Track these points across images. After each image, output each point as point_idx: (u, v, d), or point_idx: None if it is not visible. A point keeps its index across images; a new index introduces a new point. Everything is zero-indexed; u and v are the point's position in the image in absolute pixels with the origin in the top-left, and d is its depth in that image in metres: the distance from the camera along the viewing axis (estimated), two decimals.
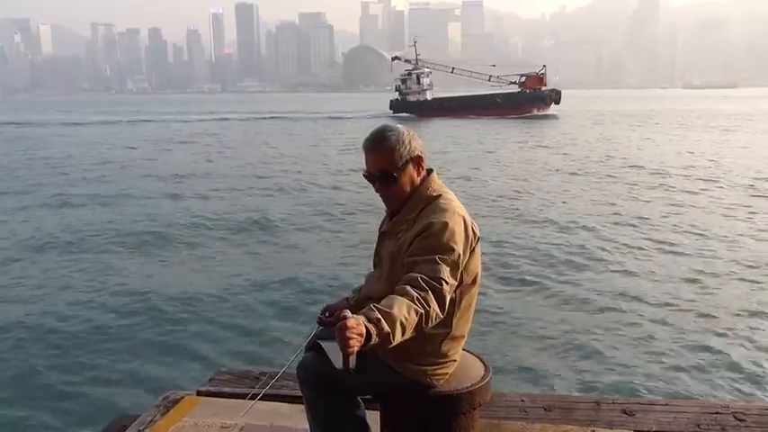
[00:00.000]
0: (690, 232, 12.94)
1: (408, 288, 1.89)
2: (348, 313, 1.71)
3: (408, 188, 2.20)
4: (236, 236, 13.42)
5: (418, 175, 2.22)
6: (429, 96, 69.09)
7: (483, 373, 2.34)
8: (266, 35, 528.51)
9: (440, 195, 2.19)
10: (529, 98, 65.58)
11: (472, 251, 2.16)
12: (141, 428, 3.06)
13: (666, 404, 3.14)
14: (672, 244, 11.94)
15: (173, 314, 8.55)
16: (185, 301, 9.09)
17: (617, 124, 54.44)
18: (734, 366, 6.72)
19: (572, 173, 22.58)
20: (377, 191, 2.23)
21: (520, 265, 10.64)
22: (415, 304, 1.84)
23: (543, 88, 66.36)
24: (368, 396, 2.35)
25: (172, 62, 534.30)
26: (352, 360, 1.68)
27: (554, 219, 14.42)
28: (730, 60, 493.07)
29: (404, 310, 1.80)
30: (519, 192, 18.70)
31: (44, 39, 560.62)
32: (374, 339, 1.72)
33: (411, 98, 68.70)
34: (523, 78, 67.29)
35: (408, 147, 2.17)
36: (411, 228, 2.13)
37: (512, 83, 68.41)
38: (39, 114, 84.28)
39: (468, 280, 2.17)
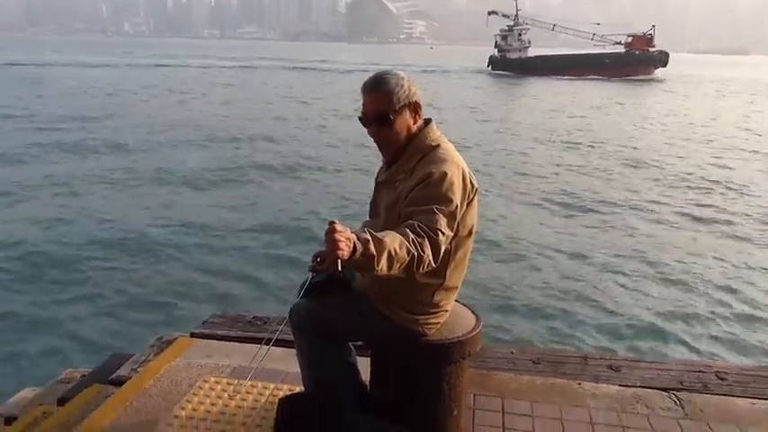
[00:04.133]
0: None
1: (407, 230, 1.88)
2: (336, 221, 1.71)
3: (403, 134, 2.16)
4: (234, 180, 13.44)
5: (414, 123, 2.18)
6: (530, 54, 65.27)
7: (474, 323, 2.35)
8: None
9: (438, 145, 2.16)
10: (638, 60, 61.70)
11: (470, 203, 2.14)
12: (135, 367, 3.11)
13: (651, 362, 3.20)
14: (679, 212, 11.96)
15: (167, 257, 8.62)
16: (181, 244, 9.14)
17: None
18: (719, 329, 6.85)
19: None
20: (371, 135, 2.20)
21: (518, 222, 10.70)
22: (409, 244, 1.82)
23: (651, 49, 62.80)
24: (359, 343, 2.37)
25: (170, 5, 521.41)
26: (339, 263, 1.68)
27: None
28: (739, 26, 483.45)
29: (395, 244, 1.78)
30: None
31: None
32: (358, 255, 1.70)
33: (512, 55, 64.80)
34: (630, 39, 64.25)
35: (407, 92, 2.13)
36: (409, 177, 2.11)
37: (616, 43, 65.31)
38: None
39: (463, 232, 2.16)
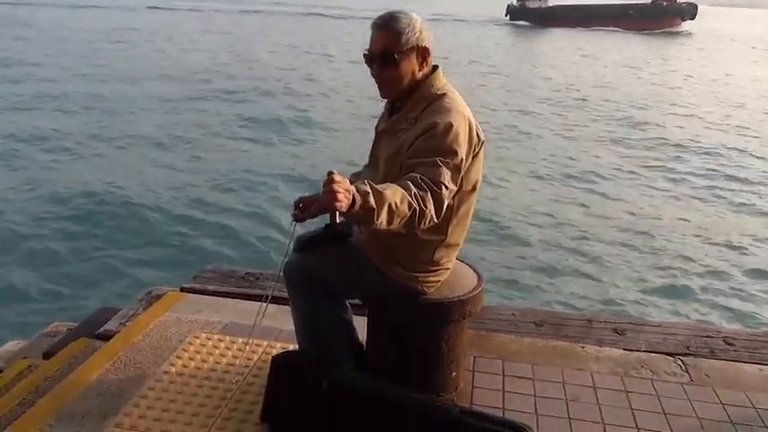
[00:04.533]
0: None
1: (408, 183, 1.77)
2: (335, 171, 1.62)
3: (407, 78, 2.04)
4: (221, 134, 13.21)
5: (420, 69, 2.05)
6: (551, 3, 62.51)
7: (476, 283, 2.26)
8: None
9: (444, 94, 2.04)
10: (665, 11, 58.35)
11: (475, 156, 2.03)
12: (123, 321, 3.03)
13: (658, 325, 3.12)
14: (672, 172, 11.81)
15: (159, 212, 8.49)
16: (169, 199, 9.01)
17: None
18: (729, 293, 6.80)
19: None
20: (374, 75, 2.07)
21: (520, 185, 10.56)
22: (411, 198, 1.73)
23: (679, 0, 59.35)
24: (356, 301, 2.28)
25: None
26: (337, 215, 1.61)
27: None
28: None
29: (396, 197, 1.69)
30: None
31: None
32: (357, 208, 1.62)
33: (531, 4, 61.43)
34: None
35: (417, 34, 2.01)
36: (413, 127, 1.99)
37: None
38: None
39: (467, 187, 2.05)
